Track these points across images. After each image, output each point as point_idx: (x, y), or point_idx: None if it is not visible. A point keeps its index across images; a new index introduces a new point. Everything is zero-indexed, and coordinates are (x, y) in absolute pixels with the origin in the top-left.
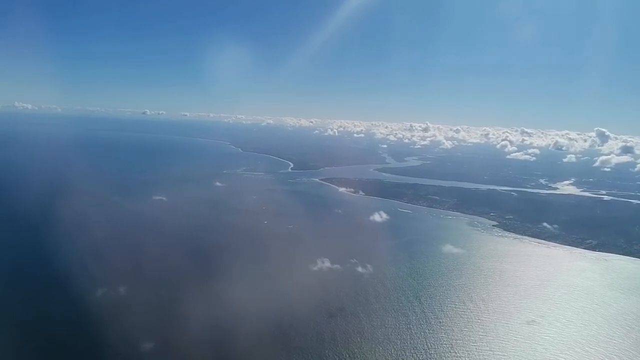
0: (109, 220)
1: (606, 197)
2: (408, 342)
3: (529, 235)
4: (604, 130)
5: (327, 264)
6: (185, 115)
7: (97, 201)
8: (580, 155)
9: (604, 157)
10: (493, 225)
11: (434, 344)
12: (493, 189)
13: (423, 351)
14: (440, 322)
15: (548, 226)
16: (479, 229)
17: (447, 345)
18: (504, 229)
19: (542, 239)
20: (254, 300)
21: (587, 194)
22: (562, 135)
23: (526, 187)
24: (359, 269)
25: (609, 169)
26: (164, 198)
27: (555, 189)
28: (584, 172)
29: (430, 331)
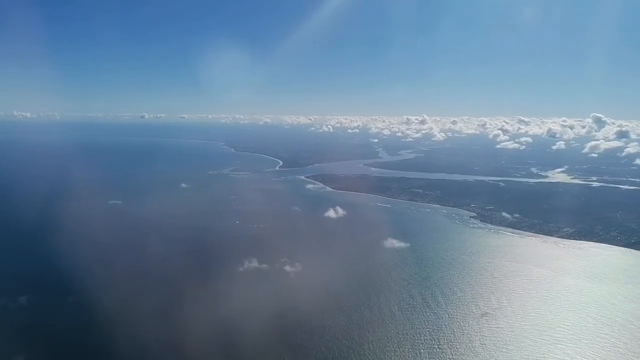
0: (62, 228)
1: (595, 184)
2: (355, 341)
3: (505, 226)
4: (600, 115)
5: (288, 264)
6: (184, 117)
7: (59, 208)
8: (573, 142)
9: (592, 143)
10: (471, 217)
11: (380, 341)
12: (481, 180)
13: (368, 350)
14: (393, 318)
15: (525, 216)
16: (456, 220)
17: (395, 342)
18: (481, 220)
19: (517, 229)
20: (207, 303)
21: (576, 181)
22: (557, 123)
23: (515, 177)
24: (322, 267)
25: (596, 155)
26: (141, 202)
27: (546, 177)
28: (577, 160)
29: (381, 328)
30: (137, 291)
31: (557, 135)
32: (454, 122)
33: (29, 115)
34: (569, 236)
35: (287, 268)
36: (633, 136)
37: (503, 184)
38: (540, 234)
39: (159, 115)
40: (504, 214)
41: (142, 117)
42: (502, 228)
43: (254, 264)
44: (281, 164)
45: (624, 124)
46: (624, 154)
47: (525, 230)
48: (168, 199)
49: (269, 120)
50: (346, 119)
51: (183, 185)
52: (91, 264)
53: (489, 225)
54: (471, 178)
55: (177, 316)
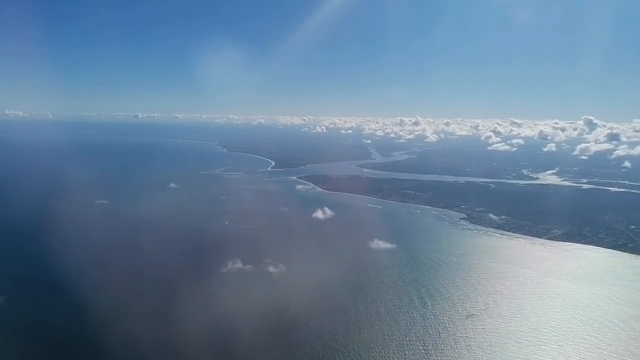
0: (49, 227)
1: (585, 186)
2: (340, 342)
3: (494, 227)
4: (591, 118)
5: (275, 265)
6: (177, 117)
7: (47, 207)
8: (564, 144)
9: (583, 145)
10: (460, 218)
11: (366, 342)
12: (472, 182)
13: (353, 351)
14: (380, 319)
15: (514, 217)
16: (445, 222)
17: (380, 344)
18: (471, 222)
19: (506, 230)
20: (195, 303)
21: (567, 183)
22: (549, 125)
23: (506, 179)
24: (309, 268)
25: (586, 157)
26: (130, 201)
27: (536, 179)
28: (568, 162)
29: (367, 329)
30: (127, 291)
31: (549, 138)
32: (447, 124)
33: (20, 114)
34: (557, 238)
35: (274, 269)
36: (623, 138)
37: (494, 186)
38: (529, 235)
39: (152, 115)
40: (493, 215)
41: (136, 116)
42: (491, 229)
43: (241, 265)
44: (273, 164)
45: (615, 126)
46: (613, 156)
47: (514, 232)
48: (158, 199)
49: (262, 121)
50: (340, 120)
51: (174, 185)
52: (78, 264)
53: (478, 227)
54: (462, 179)
55: (168, 316)
